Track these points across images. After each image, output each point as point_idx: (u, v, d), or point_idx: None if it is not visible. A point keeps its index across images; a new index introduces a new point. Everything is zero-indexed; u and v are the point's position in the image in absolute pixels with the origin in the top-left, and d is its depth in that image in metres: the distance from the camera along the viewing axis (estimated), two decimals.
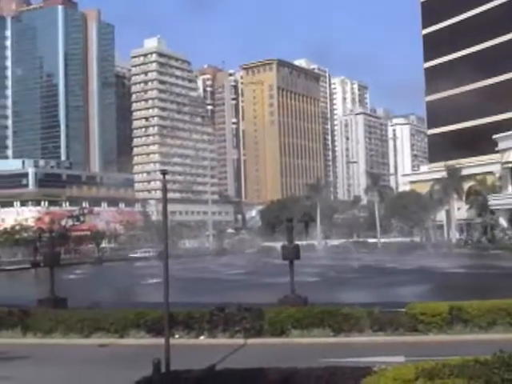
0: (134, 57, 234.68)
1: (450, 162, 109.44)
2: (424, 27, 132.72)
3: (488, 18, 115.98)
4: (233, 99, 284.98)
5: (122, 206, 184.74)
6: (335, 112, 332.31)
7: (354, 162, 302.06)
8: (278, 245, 45.23)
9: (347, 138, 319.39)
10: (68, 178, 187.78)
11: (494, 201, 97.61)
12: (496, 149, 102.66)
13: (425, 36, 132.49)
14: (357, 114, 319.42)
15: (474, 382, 8.81)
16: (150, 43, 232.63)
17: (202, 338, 21.24)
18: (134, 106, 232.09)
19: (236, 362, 15.34)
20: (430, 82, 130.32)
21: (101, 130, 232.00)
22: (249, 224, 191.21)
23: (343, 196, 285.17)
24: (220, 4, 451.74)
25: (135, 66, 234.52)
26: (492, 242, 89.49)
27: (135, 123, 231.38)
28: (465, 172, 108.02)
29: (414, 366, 9.82)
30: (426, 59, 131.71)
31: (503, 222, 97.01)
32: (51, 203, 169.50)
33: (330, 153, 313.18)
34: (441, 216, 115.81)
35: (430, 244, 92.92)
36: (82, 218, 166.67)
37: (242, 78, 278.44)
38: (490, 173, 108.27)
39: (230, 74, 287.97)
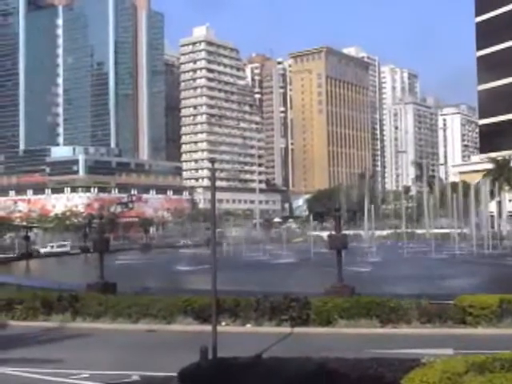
0: (183, 45, 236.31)
1: (499, 154, 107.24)
2: (477, 15, 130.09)
3: None
4: (281, 88, 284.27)
5: (169, 193, 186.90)
6: (384, 101, 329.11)
7: (403, 152, 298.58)
8: (325, 234, 45.04)
9: (396, 128, 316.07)
10: (117, 165, 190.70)
11: None
12: None
13: (478, 24, 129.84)
14: (406, 104, 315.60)
15: None
16: (199, 32, 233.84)
17: (248, 326, 21.31)
18: (183, 94, 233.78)
19: (282, 350, 15.34)
20: (482, 70, 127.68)
21: (150, 118, 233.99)
22: (296, 213, 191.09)
23: (391, 186, 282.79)
24: None
25: (184, 54, 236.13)
26: None
27: (183, 111, 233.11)
28: None
29: (464, 359, 9.61)
30: (479, 48, 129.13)
31: None
32: (101, 190, 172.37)
33: (379, 142, 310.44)
34: (491, 207, 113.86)
35: (479, 235, 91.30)
36: (130, 205, 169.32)
37: (290, 66, 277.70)
38: None
39: (279, 63, 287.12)
